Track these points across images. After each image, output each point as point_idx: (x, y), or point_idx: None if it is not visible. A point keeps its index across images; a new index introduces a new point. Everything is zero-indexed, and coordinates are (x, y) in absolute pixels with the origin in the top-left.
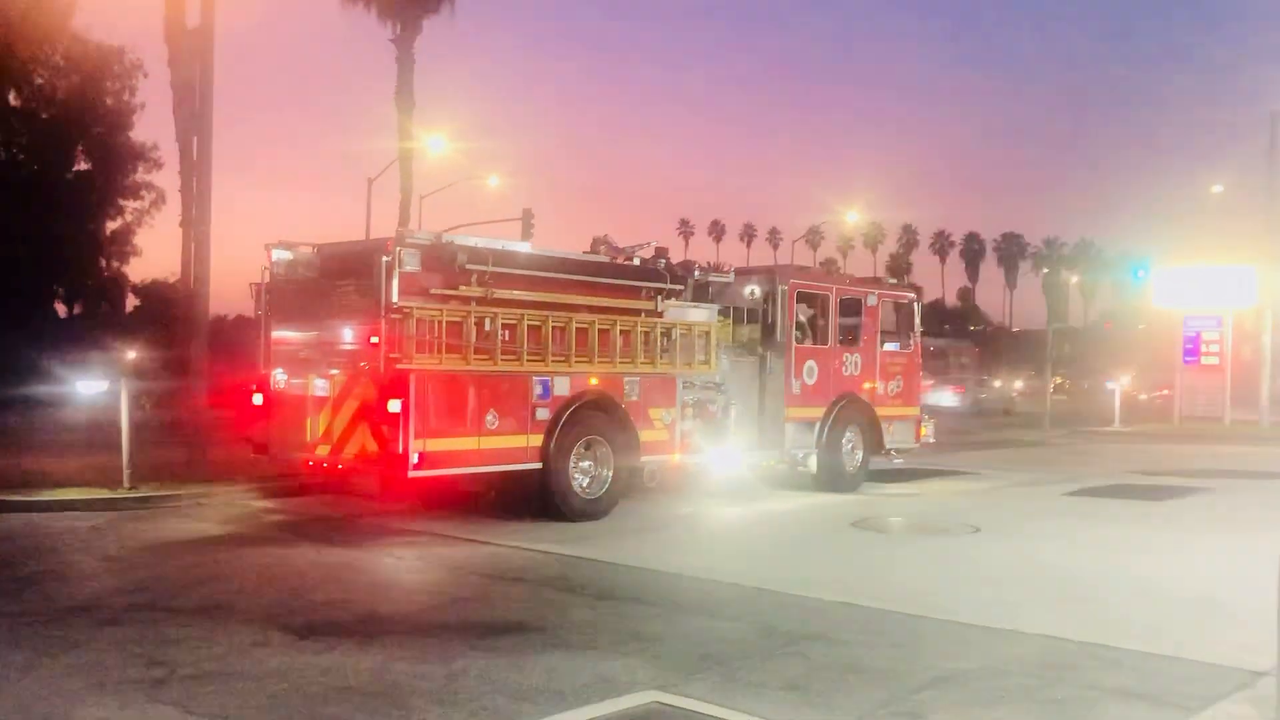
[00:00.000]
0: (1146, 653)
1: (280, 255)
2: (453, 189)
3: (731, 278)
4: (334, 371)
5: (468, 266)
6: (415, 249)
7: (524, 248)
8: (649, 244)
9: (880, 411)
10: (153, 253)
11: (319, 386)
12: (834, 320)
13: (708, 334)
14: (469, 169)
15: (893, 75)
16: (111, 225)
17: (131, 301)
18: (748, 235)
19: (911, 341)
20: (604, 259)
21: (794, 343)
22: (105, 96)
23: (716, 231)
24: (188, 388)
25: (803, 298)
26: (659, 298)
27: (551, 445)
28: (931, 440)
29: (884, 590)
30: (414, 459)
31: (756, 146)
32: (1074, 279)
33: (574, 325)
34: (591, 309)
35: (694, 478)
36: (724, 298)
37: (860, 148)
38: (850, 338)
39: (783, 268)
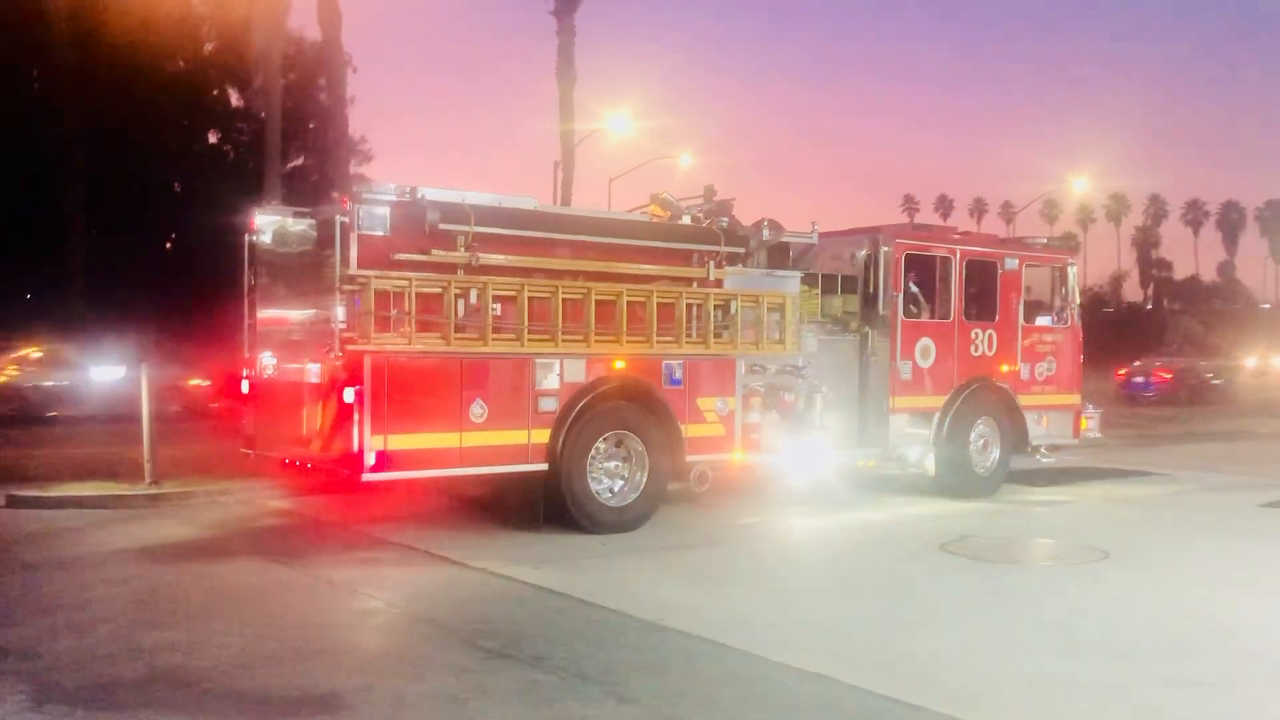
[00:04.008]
0: None
1: (266, 221)
2: (637, 169)
3: (814, 238)
4: (334, 355)
5: (442, 227)
6: (379, 208)
7: (527, 204)
8: (714, 203)
9: (1024, 400)
10: None
11: (311, 373)
12: (958, 289)
13: (782, 306)
14: (654, 147)
15: (1136, 33)
16: None
17: None
18: (978, 210)
19: (1068, 315)
20: (634, 216)
21: (901, 316)
22: (319, 93)
23: (944, 207)
24: None
25: (914, 262)
26: (712, 263)
27: (561, 443)
28: (1096, 435)
29: (901, 654)
30: (369, 459)
31: (989, 116)
32: None
33: (594, 297)
34: (619, 277)
35: (767, 482)
36: (809, 262)
37: (1103, 114)
38: (982, 310)
39: (889, 226)
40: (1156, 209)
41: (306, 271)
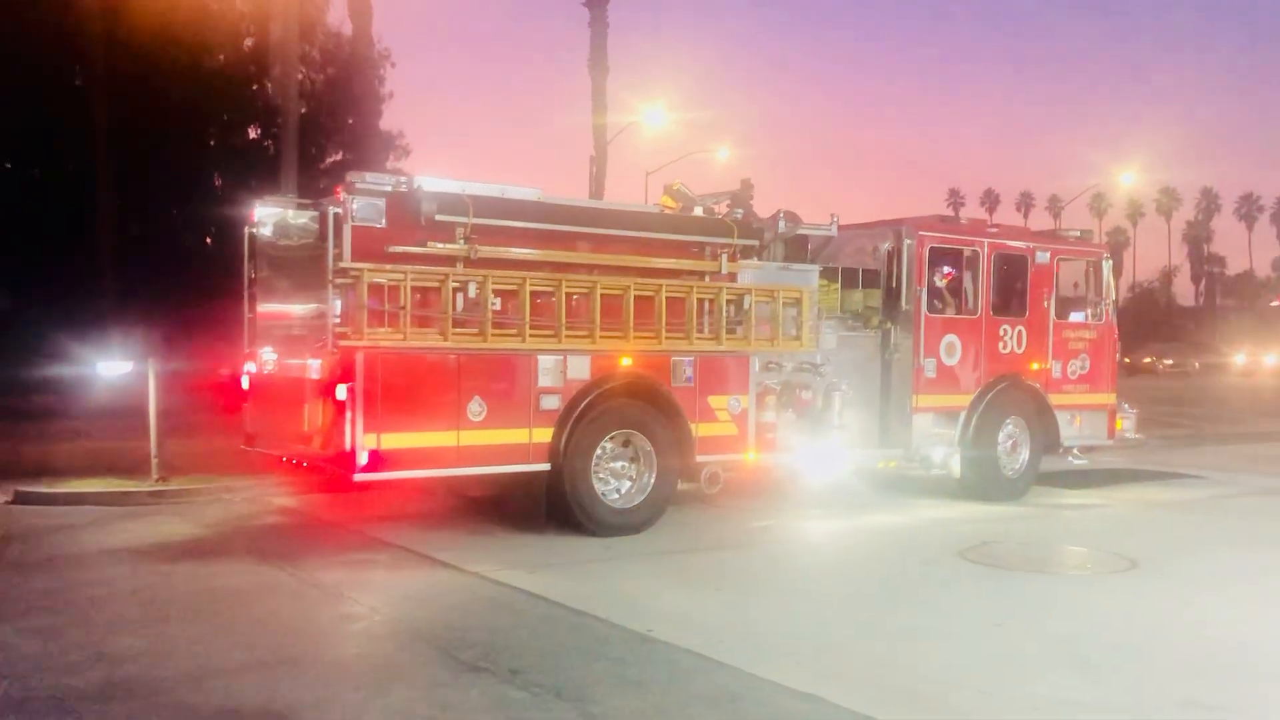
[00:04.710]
0: None
1: (267, 214)
2: (674, 163)
3: (833, 230)
4: (326, 351)
5: (439, 218)
6: (374, 198)
7: (531, 195)
8: (727, 194)
9: (1055, 399)
10: None
11: (312, 369)
12: (986, 283)
13: (799, 301)
14: (693, 140)
15: (1189, 23)
16: None
17: None
18: (1025, 204)
19: (1102, 311)
20: (642, 207)
21: (925, 311)
22: (356, 87)
23: (990, 201)
24: None
25: (939, 255)
26: (725, 256)
27: (563, 442)
28: (1132, 436)
29: (903, 670)
30: (362, 458)
31: (1037, 108)
32: None
33: (599, 292)
34: (626, 270)
35: (783, 483)
36: (829, 255)
37: (1155, 106)
38: (1011, 305)
39: (913, 218)
40: (1209, 203)
41: (308, 265)
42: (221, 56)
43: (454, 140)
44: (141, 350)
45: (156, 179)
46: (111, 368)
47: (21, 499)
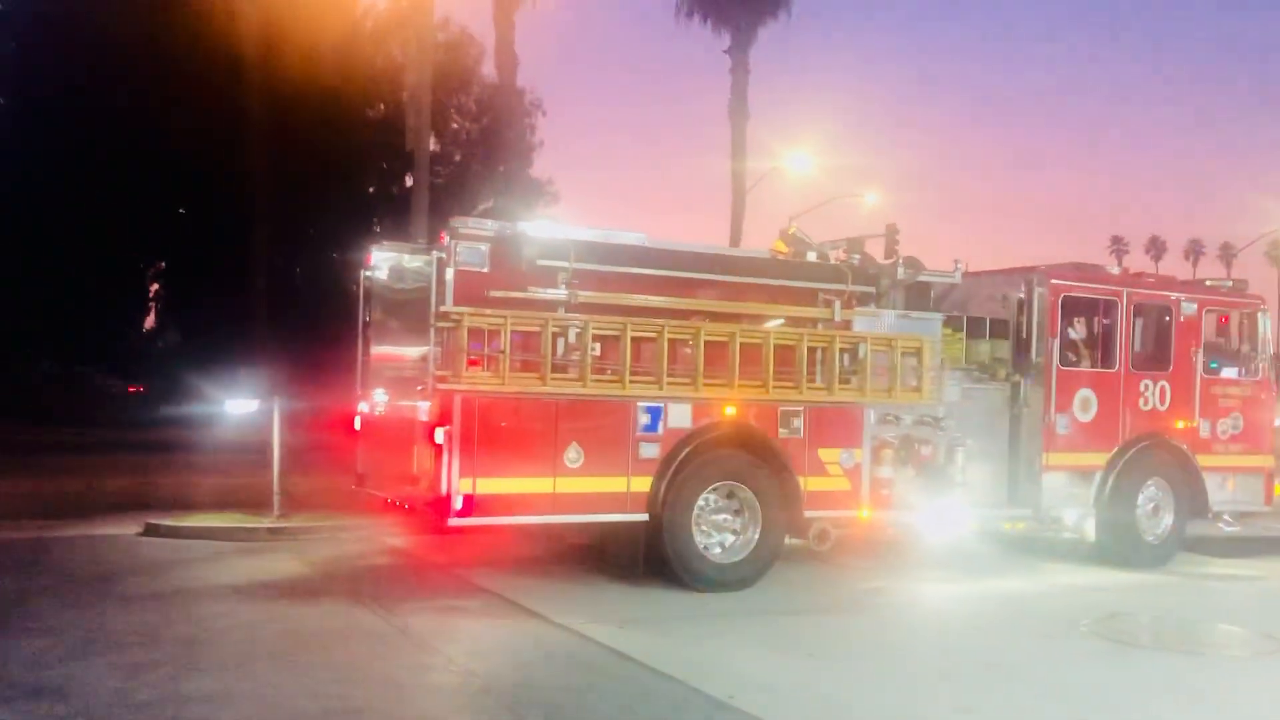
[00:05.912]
0: None
1: (383, 258)
2: (817, 208)
3: (958, 277)
4: (426, 394)
5: (541, 263)
6: (476, 243)
7: (637, 240)
8: (845, 240)
9: (1204, 460)
10: None
11: (420, 411)
12: (1125, 335)
13: (919, 351)
14: (840, 185)
15: None
16: None
17: None
18: (1193, 252)
19: (1258, 366)
20: (751, 252)
21: (1057, 364)
22: (507, 136)
23: (1155, 249)
24: None
25: (1073, 305)
26: (838, 303)
27: (662, 492)
28: None
29: None
30: (457, 502)
31: (1209, 150)
32: None
33: (703, 338)
34: (732, 317)
35: (900, 543)
36: (956, 304)
37: None
38: (1153, 359)
39: (1046, 266)
40: None
41: (420, 308)
42: (383, 106)
43: (602, 186)
44: (271, 388)
45: (318, 225)
46: (238, 405)
47: (150, 531)
